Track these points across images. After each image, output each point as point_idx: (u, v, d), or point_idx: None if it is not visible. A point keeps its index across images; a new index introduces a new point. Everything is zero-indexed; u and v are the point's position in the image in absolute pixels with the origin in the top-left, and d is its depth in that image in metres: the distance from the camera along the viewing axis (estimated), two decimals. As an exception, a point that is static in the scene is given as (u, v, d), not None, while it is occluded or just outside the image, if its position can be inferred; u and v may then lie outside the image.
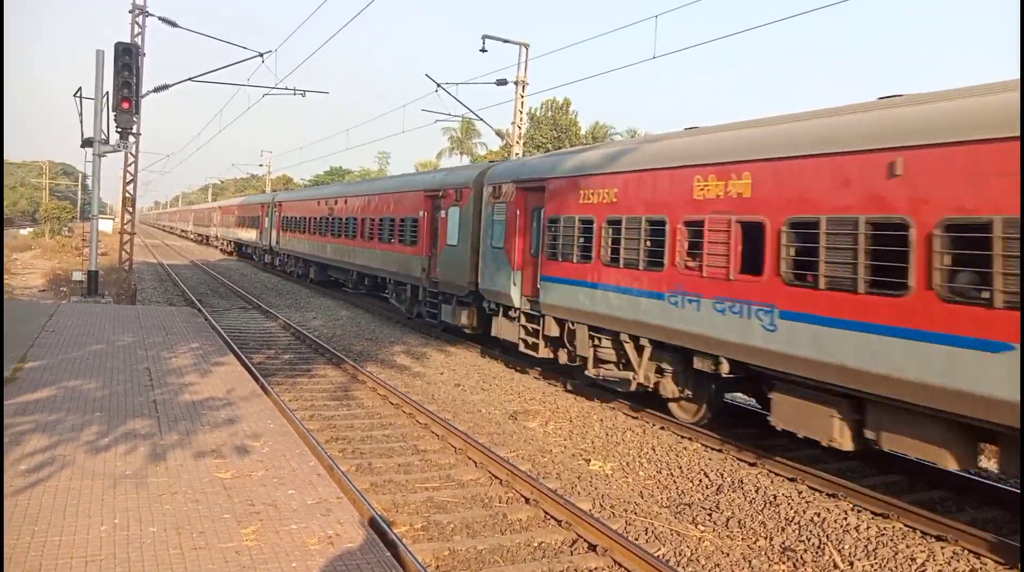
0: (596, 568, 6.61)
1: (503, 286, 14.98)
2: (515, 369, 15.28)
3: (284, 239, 35.97)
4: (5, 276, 32.50)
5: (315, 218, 30.35)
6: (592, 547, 6.92)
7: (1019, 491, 8.46)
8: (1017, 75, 7.03)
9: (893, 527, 7.55)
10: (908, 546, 7.11)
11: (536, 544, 7.06)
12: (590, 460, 9.77)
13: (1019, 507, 7.78)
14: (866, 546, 7.14)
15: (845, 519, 7.67)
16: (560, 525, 7.43)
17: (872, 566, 6.84)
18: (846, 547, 7.15)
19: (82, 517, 5.88)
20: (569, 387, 13.56)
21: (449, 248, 17.71)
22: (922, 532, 7.44)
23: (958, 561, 6.84)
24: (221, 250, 57.48)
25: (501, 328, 15.52)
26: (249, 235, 44.95)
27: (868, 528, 7.46)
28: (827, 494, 8.45)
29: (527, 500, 8.05)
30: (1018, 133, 6.51)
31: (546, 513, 7.71)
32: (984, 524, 7.67)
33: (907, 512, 7.81)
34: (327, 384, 13.43)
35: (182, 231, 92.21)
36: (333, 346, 16.70)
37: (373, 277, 24.47)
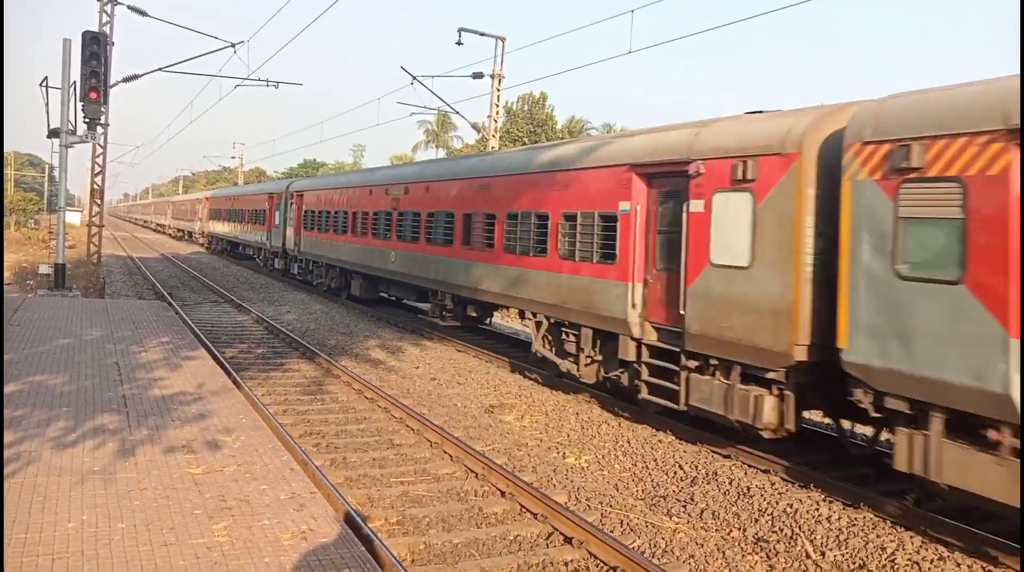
0: (572, 560, 6.62)
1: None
2: (491, 363, 15.25)
3: (308, 241, 27.46)
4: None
5: (364, 213, 22.10)
6: (568, 540, 6.93)
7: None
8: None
9: (864, 517, 7.65)
10: (879, 535, 7.21)
11: (512, 537, 7.05)
12: (566, 453, 9.79)
13: (1020, 506, 7.91)
14: (838, 536, 7.23)
15: (817, 510, 7.76)
16: (536, 518, 7.43)
17: (843, 556, 6.93)
18: (818, 537, 7.23)
19: (48, 514, 5.76)
20: (542, 381, 13.57)
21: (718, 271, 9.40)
22: (892, 522, 7.55)
23: (926, 549, 6.95)
24: (207, 248, 50.80)
25: None
26: (251, 234, 36.41)
27: (839, 518, 7.56)
28: (799, 485, 8.55)
29: (503, 493, 8.04)
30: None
31: (522, 506, 7.71)
32: (953, 513, 7.80)
33: (877, 502, 7.92)
34: (301, 378, 13.30)
35: (158, 225, 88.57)
36: (307, 340, 16.54)
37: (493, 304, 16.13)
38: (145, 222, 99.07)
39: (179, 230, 67.69)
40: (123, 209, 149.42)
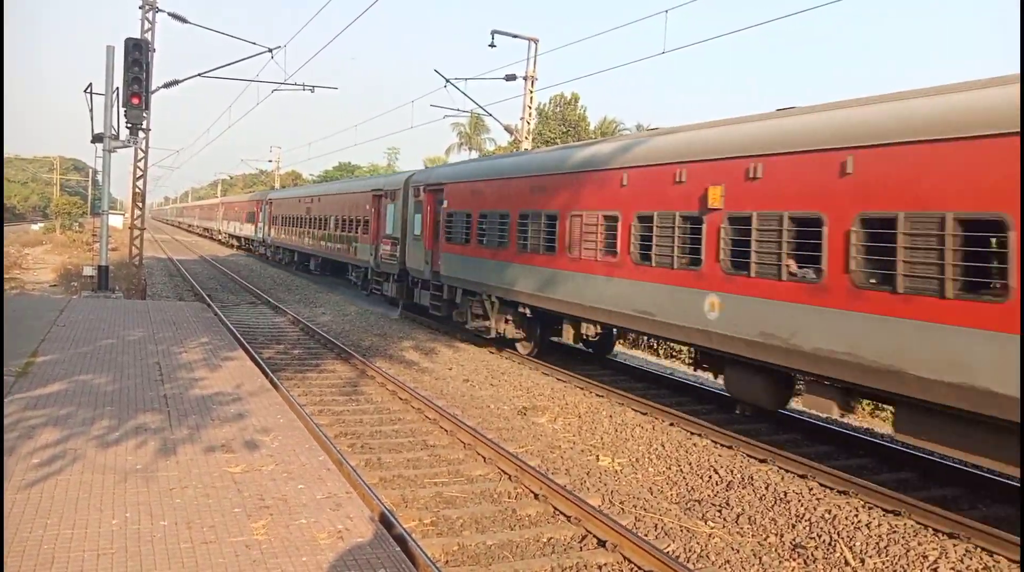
0: (606, 564, 6.59)
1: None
2: (524, 365, 15.26)
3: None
4: (17, 270, 32.71)
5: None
6: (601, 543, 6.90)
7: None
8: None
9: (904, 524, 7.50)
10: (920, 543, 7.06)
11: (545, 540, 7.05)
12: (599, 456, 9.75)
13: (1019, 506, 7.73)
14: (877, 543, 7.09)
15: (856, 516, 7.62)
16: (569, 521, 7.41)
17: (883, 563, 6.80)
18: (857, 544, 7.10)
19: (93, 511, 5.90)
20: (575, 383, 13.54)
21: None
22: (934, 529, 7.39)
23: (971, 559, 6.79)
24: (223, 243, 60.26)
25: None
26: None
27: (879, 525, 7.42)
28: (838, 491, 8.40)
29: (536, 496, 8.04)
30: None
31: (555, 509, 7.70)
32: (997, 522, 7.60)
33: (919, 509, 7.76)
34: (336, 379, 13.45)
35: (189, 226, 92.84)
36: (342, 341, 16.72)
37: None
38: (190, 227, 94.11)
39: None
40: (170, 211, 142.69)
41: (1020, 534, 6.80)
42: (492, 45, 23.88)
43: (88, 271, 23.27)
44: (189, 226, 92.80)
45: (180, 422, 8.49)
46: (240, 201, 54.97)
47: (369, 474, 8.37)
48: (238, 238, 54.31)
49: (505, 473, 8.72)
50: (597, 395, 12.78)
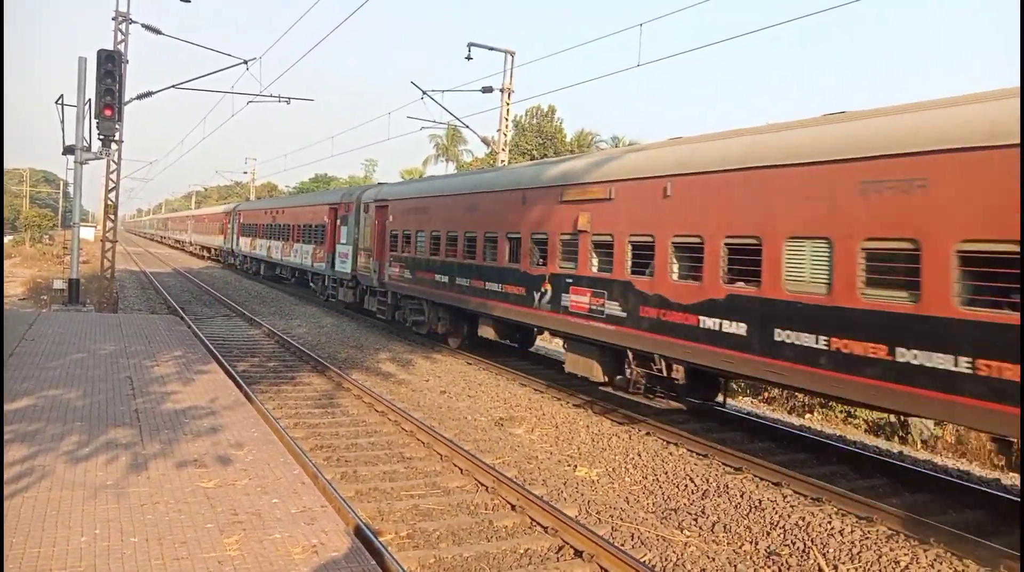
0: (582, 574, 6.59)
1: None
2: (500, 376, 15.26)
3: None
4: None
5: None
6: (578, 553, 6.91)
7: (1020, 498, 8.53)
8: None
9: (877, 531, 7.60)
10: (892, 549, 7.15)
11: (522, 551, 7.04)
12: (576, 466, 9.76)
13: (1019, 507, 7.85)
14: (850, 550, 7.17)
15: (829, 523, 7.71)
16: (546, 532, 7.41)
17: (856, 569, 6.87)
18: (831, 551, 7.18)
19: (62, 528, 5.80)
20: (552, 394, 13.56)
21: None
22: (905, 535, 7.49)
23: (941, 564, 6.89)
24: (195, 255, 59.84)
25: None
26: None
27: (852, 532, 7.50)
28: (811, 498, 8.49)
29: (513, 507, 8.03)
30: None
31: (532, 520, 7.69)
32: (966, 527, 7.73)
33: (891, 515, 7.86)
34: (312, 392, 13.34)
35: (161, 238, 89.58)
36: (318, 353, 16.60)
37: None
38: (162, 239, 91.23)
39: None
40: (147, 223, 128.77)
41: (1020, 534, 6.89)
42: (469, 58, 24.06)
43: (58, 284, 22.92)
44: (176, 242, 75.99)
45: (152, 437, 8.37)
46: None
47: (345, 487, 8.31)
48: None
49: (482, 485, 8.70)
50: (574, 405, 12.80)
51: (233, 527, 6.02)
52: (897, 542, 7.34)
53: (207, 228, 55.06)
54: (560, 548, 7.11)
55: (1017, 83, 6.69)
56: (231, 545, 5.67)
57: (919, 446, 12.85)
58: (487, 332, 16.45)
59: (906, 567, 6.83)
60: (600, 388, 13.18)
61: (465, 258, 16.17)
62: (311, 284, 29.32)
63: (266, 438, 8.69)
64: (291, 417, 11.44)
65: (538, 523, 7.60)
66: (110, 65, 19.80)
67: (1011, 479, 10.82)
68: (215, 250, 51.86)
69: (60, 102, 21.01)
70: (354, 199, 23.19)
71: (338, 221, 24.52)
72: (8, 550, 5.35)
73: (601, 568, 6.64)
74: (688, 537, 7.58)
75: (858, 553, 7.10)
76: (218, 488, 6.90)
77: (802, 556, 7.12)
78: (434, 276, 17.53)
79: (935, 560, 6.95)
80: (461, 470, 9.21)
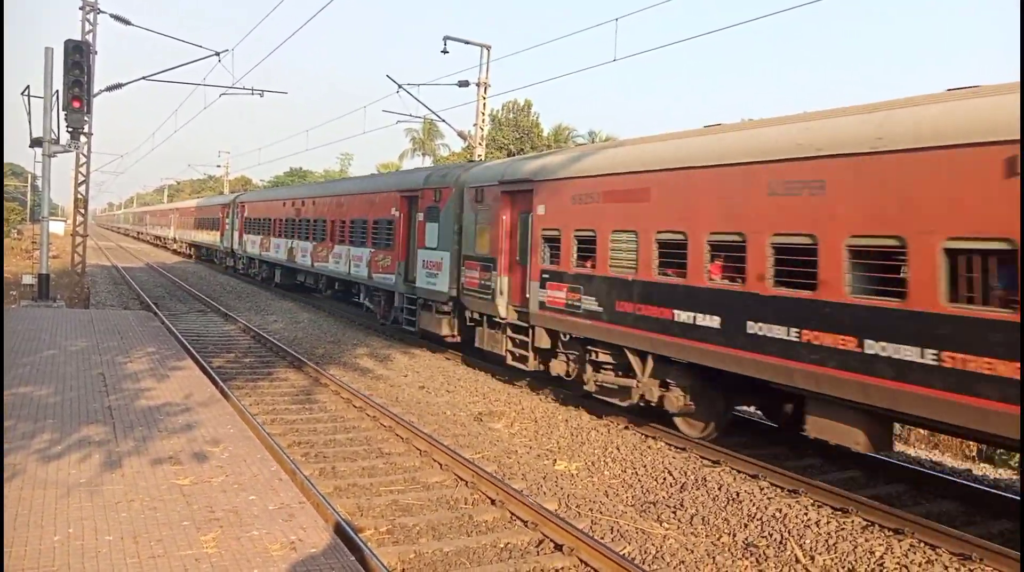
0: (563, 568, 6.61)
1: None
2: (480, 370, 15.23)
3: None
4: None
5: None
6: (558, 547, 6.92)
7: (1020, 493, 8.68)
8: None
9: (852, 522, 7.70)
10: (867, 539, 7.25)
11: (502, 545, 7.04)
12: (556, 460, 9.78)
13: (1020, 507, 8.00)
14: (827, 540, 7.26)
15: (806, 515, 7.80)
16: (526, 526, 7.41)
17: (833, 560, 6.96)
18: (807, 542, 7.26)
19: (34, 528, 5.69)
20: (531, 388, 13.56)
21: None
22: (880, 526, 7.60)
23: (915, 553, 7.00)
24: (178, 253, 55.46)
25: None
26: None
27: (828, 523, 7.60)
28: (788, 490, 8.58)
29: (493, 501, 8.02)
30: None
31: (512, 514, 7.69)
32: (939, 516, 7.87)
33: (866, 507, 7.97)
34: (289, 388, 13.22)
35: (138, 234, 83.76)
36: (295, 349, 16.46)
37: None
38: (138, 235, 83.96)
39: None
40: (121, 217, 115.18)
41: (1020, 533, 7.01)
42: (445, 51, 23.88)
43: (28, 280, 22.50)
44: (157, 238, 68.16)
45: (126, 434, 8.24)
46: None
47: (323, 483, 8.25)
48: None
49: (462, 479, 8.68)
50: (553, 400, 12.82)
51: (210, 524, 5.94)
52: (872, 532, 7.44)
53: (198, 223, 46.40)
54: (540, 542, 7.12)
55: (1017, 80, 6.79)
56: (208, 543, 5.60)
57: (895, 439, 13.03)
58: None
59: (881, 557, 6.93)
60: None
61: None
62: (364, 301, 21.67)
63: (242, 435, 8.59)
64: (268, 413, 11.33)
65: (518, 517, 7.60)
66: (78, 56, 19.42)
67: (981, 470, 11.04)
68: (207, 250, 44.68)
69: (26, 93, 20.57)
70: (451, 183, 16.19)
71: (419, 215, 17.49)
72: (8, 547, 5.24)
73: (581, 561, 6.66)
74: (667, 529, 7.63)
75: (834, 544, 7.19)
76: (194, 485, 6.81)
77: (779, 547, 7.20)
78: (666, 312, 9.87)
79: (909, 549, 7.06)
80: (441, 465, 9.18)
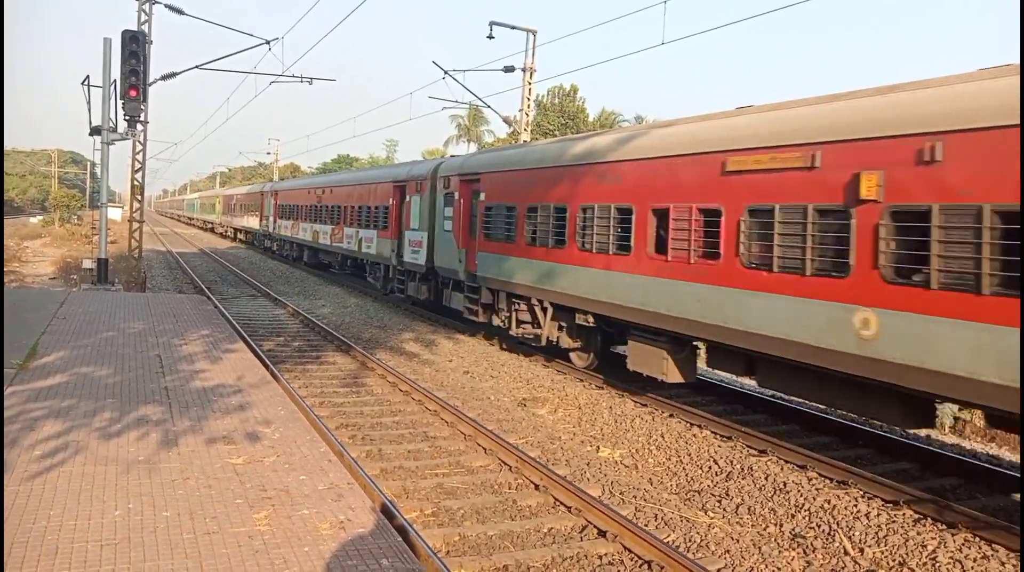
0: (606, 554, 6.63)
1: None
2: (523, 356, 15.29)
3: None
4: (16, 263, 32.70)
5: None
6: (602, 533, 6.94)
7: None
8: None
9: (904, 514, 7.54)
10: (919, 533, 7.09)
11: (546, 530, 7.08)
12: (599, 447, 9.78)
13: (1020, 503, 7.77)
14: (876, 533, 7.13)
15: (855, 506, 7.66)
16: (570, 511, 7.45)
17: (882, 552, 6.83)
18: (856, 534, 7.14)
19: (96, 502, 5.93)
20: (575, 375, 13.56)
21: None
22: (933, 519, 7.42)
23: (969, 548, 6.83)
24: (224, 236, 57.79)
25: None
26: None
27: (878, 515, 7.45)
28: (837, 481, 8.44)
29: (537, 486, 8.07)
30: None
31: (556, 499, 7.73)
32: (995, 512, 7.65)
33: (918, 499, 7.80)
34: (336, 371, 13.47)
35: (190, 220, 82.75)
36: (342, 333, 16.74)
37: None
38: (189, 221, 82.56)
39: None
40: (187, 204, 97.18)
41: (1021, 530, 6.83)
42: (491, 36, 23.86)
43: (87, 264, 23.29)
44: (205, 223, 69.14)
45: (182, 414, 8.51)
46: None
47: (370, 465, 8.40)
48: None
49: (506, 464, 8.75)
50: (597, 386, 12.81)
51: (262, 503, 6.11)
52: (924, 526, 7.28)
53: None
54: (584, 528, 7.14)
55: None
56: (261, 520, 5.77)
57: (947, 430, 12.70)
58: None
59: (933, 551, 6.78)
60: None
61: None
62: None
63: (292, 416, 8.80)
64: (316, 396, 11.57)
65: (561, 503, 7.63)
66: (134, 46, 19.93)
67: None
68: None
69: (86, 83, 21.21)
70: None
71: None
72: (46, 521, 5.49)
73: (625, 548, 6.66)
74: (712, 519, 7.58)
75: (884, 537, 7.06)
76: (247, 464, 7.01)
77: (827, 539, 7.09)
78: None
79: (963, 544, 6.89)
80: (485, 450, 9.26)
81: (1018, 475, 8.93)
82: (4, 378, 9.34)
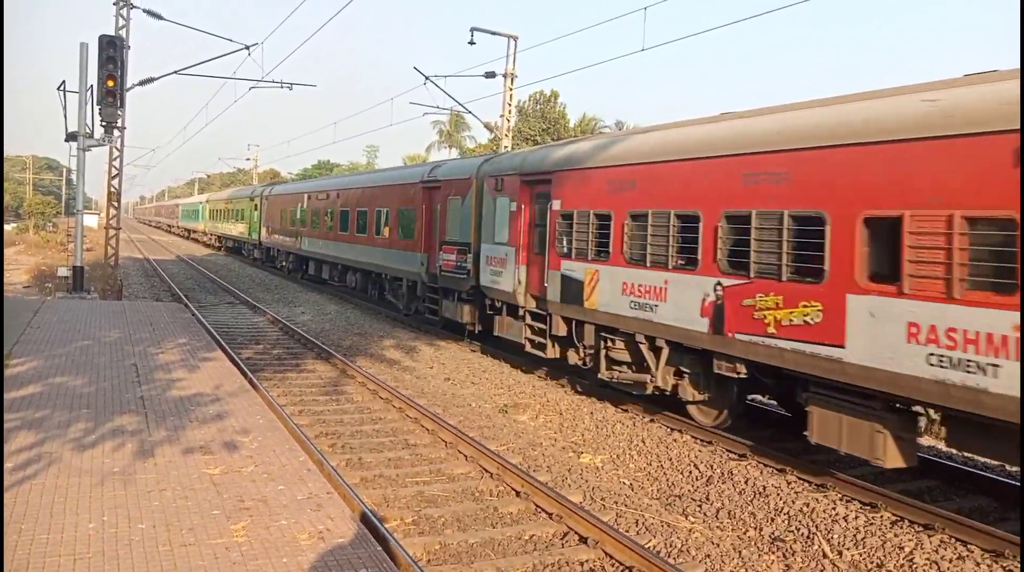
0: (587, 560, 6.62)
1: None
2: (504, 363, 15.27)
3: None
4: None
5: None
6: (583, 539, 6.94)
7: (1020, 482, 8.55)
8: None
9: (881, 517, 7.61)
10: (896, 535, 7.16)
11: (527, 537, 7.07)
12: (580, 453, 9.79)
13: (1020, 503, 7.87)
14: (855, 535, 7.19)
15: (834, 509, 7.72)
16: (551, 518, 7.44)
17: (861, 555, 6.89)
18: (835, 537, 7.20)
19: (70, 515, 5.83)
20: (556, 381, 13.56)
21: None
22: (910, 521, 7.50)
23: (945, 549, 6.90)
24: (208, 245, 56.27)
25: None
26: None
27: (857, 518, 7.52)
28: (816, 485, 8.51)
29: (518, 493, 8.06)
30: None
31: (537, 506, 7.72)
32: (971, 512, 7.75)
33: (895, 502, 7.87)
34: (316, 379, 13.38)
35: (169, 227, 79.86)
36: (322, 341, 16.63)
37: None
38: (169, 227, 79.48)
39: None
40: (165, 211, 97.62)
41: (1021, 529, 6.91)
42: (471, 42, 23.83)
43: (63, 272, 22.93)
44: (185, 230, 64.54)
45: (158, 424, 8.40)
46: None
47: (350, 474, 8.34)
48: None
49: (487, 471, 8.73)
50: (578, 392, 12.82)
51: (240, 513, 6.05)
52: (902, 528, 7.35)
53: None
54: (565, 534, 7.13)
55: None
56: (238, 531, 5.70)
57: (923, 432, 12.82)
58: None
59: (910, 552, 6.85)
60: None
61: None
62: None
63: (271, 425, 8.72)
64: (296, 404, 11.48)
65: (543, 509, 7.62)
66: (112, 50, 19.73)
67: (1015, 466, 10.81)
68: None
69: (62, 88, 20.95)
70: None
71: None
72: (17, 536, 5.38)
73: (606, 554, 6.66)
74: (692, 523, 7.60)
75: (863, 539, 7.12)
76: (224, 475, 6.93)
77: (807, 542, 7.14)
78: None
79: (939, 545, 6.97)
80: (466, 457, 9.23)
81: (1005, 477, 9.06)
82: (4, 378, 9.18)
